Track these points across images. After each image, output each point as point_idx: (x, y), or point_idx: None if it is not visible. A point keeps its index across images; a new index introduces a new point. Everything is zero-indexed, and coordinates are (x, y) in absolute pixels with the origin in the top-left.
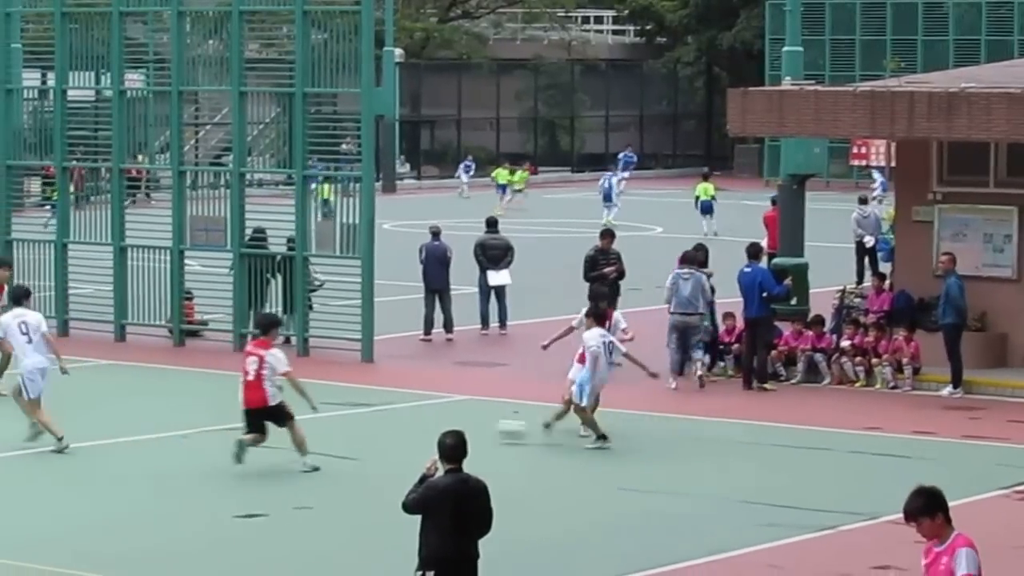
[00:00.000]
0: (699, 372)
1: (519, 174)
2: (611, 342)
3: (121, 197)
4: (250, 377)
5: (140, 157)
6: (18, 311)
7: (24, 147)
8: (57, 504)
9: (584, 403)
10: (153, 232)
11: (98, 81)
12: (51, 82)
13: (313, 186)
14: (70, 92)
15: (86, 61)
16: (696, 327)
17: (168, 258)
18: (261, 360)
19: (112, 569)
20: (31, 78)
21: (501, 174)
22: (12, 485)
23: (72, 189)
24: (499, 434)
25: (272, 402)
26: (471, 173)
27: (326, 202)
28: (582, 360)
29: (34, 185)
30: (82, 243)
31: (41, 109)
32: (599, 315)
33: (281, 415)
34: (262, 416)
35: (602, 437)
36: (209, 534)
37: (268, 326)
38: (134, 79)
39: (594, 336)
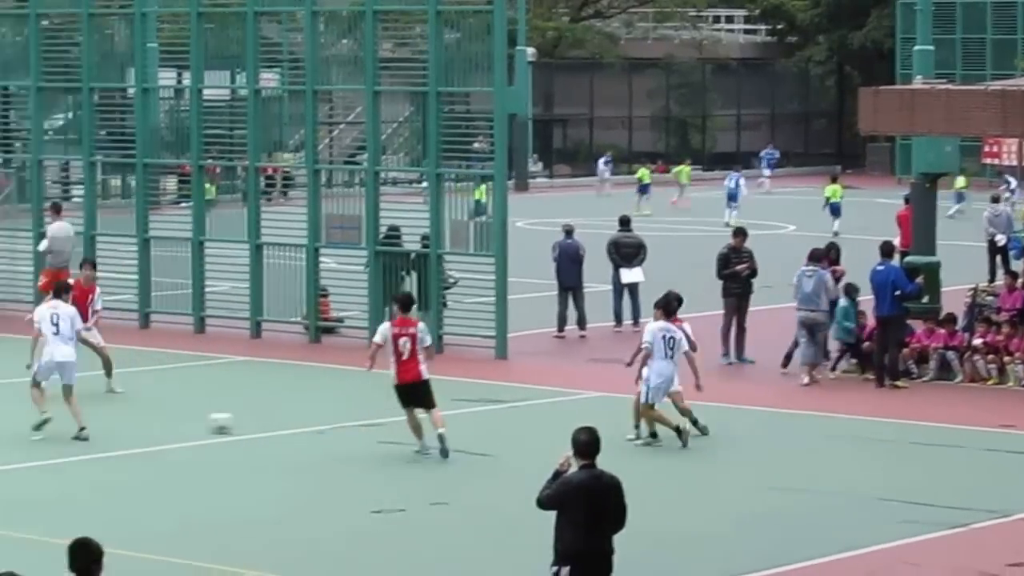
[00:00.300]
0: (810, 373)
1: (683, 170)
2: (672, 337)
3: (257, 195)
4: (405, 356)
5: (280, 155)
6: (54, 302)
7: (161, 146)
8: (196, 499)
9: (650, 400)
10: (289, 230)
11: (233, 80)
12: (187, 81)
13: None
14: (205, 91)
15: (221, 60)
16: (821, 323)
17: (304, 255)
18: (413, 337)
19: (252, 563)
20: (167, 77)
21: (645, 174)
22: (154, 481)
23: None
24: (210, 427)
25: (425, 376)
26: (611, 171)
27: (478, 203)
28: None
29: (170, 183)
30: (218, 241)
31: (177, 108)
32: (666, 308)
33: (431, 391)
34: (418, 390)
35: (654, 435)
36: (346, 529)
37: (410, 303)
38: (269, 78)
39: (650, 331)
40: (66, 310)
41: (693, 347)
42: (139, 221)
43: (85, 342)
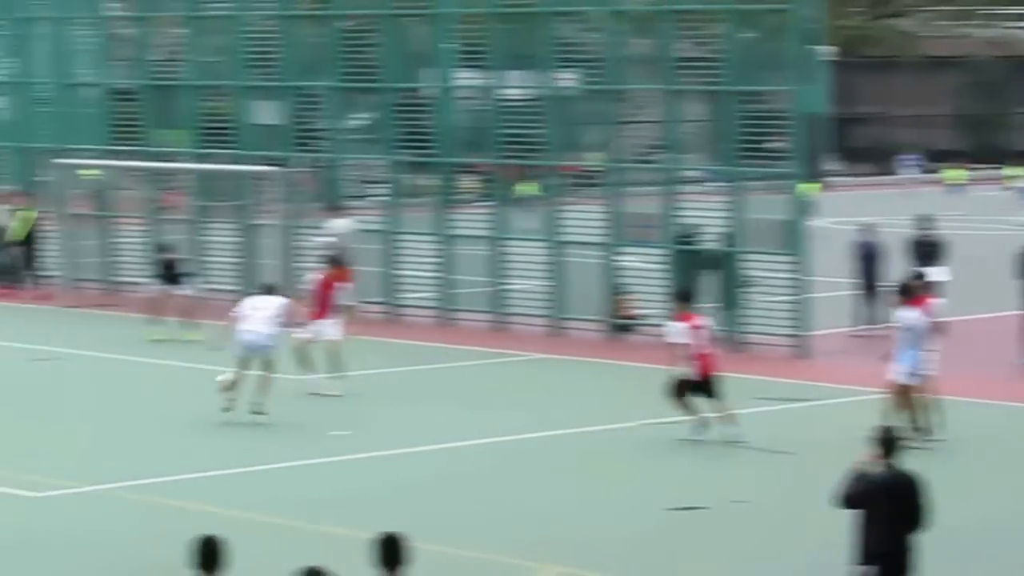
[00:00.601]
0: None
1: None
2: (920, 325)
3: (555, 194)
4: (704, 350)
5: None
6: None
7: (459, 145)
8: (493, 493)
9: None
10: (587, 228)
11: (531, 80)
12: (485, 81)
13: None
14: (504, 91)
15: (519, 60)
16: None
17: (603, 254)
18: (701, 329)
19: (550, 557)
20: (466, 77)
21: (951, 175)
22: (451, 475)
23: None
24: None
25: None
26: (919, 169)
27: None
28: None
29: (469, 182)
30: (516, 239)
31: (476, 108)
32: (907, 292)
33: (717, 384)
34: (707, 385)
35: (920, 430)
36: (643, 526)
37: (690, 297)
38: (566, 78)
39: (905, 316)
40: (266, 301)
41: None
42: (439, 219)
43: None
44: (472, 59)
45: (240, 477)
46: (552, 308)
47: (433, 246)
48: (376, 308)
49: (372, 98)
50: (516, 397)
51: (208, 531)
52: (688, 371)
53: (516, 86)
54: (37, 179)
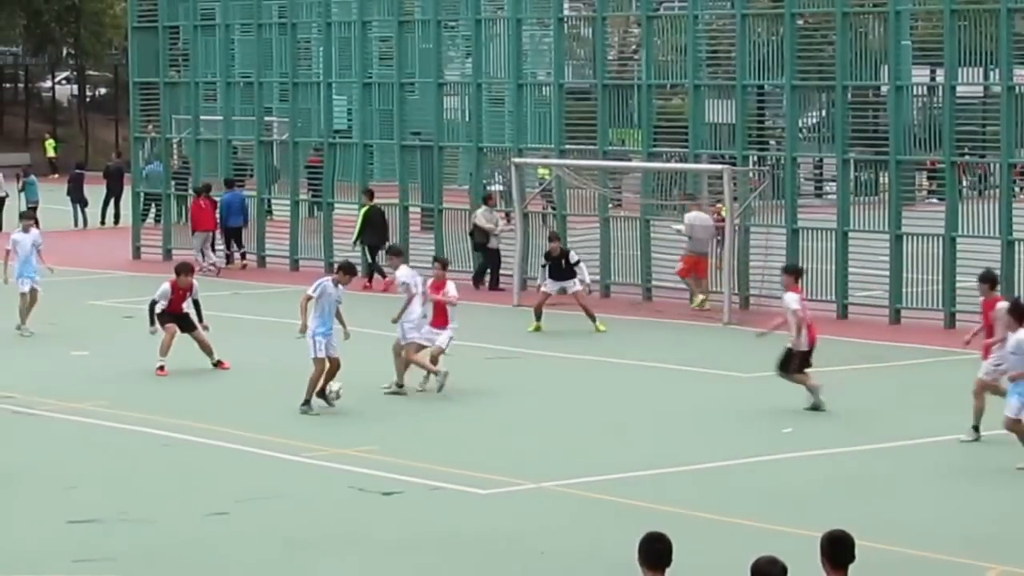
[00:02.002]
0: None
1: None
2: None
3: (1010, 191)
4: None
5: None
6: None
7: (913, 142)
8: (943, 492)
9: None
10: None
11: (986, 77)
12: (940, 79)
13: None
14: (958, 88)
15: (974, 57)
16: None
17: None
18: None
19: (1000, 556)
20: (920, 75)
21: None
22: (894, 474)
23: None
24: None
25: None
26: None
27: None
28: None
29: (923, 179)
30: (969, 236)
31: (929, 105)
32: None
33: None
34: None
35: None
36: None
37: None
38: (1023, 74)
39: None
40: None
41: None
42: (892, 217)
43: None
44: (927, 56)
45: (687, 475)
46: None
47: (884, 244)
48: (826, 306)
49: (826, 96)
50: (965, 397)
51: (655, 528)
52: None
53: (970, 83)
54: (491, 179)
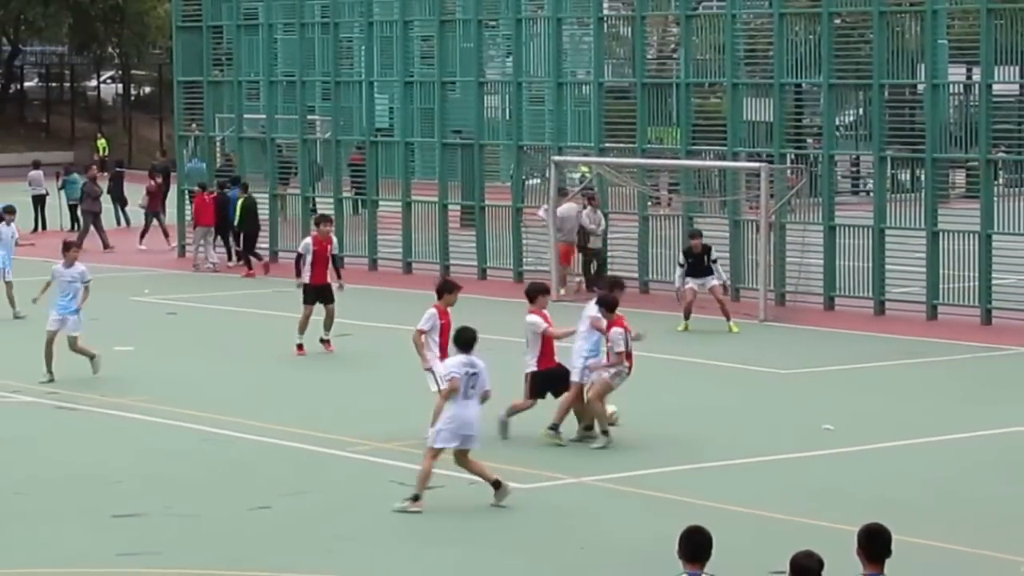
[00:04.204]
0: None
1: None
2: None
3: None
4: None
5: None
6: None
7: (949, 140)
8: (981, 488)
9: None
10: None
11: (1023, 75)
12: (976, 77)
13: None
14: (994, 86)
15: (1010, 55)
16: None
17: None
18: None
19: None
20: (956, 73)
21: None
22: (933, 468)
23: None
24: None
25: None
26: None
27: None
28: None
29: (959, 177)
30: (1008, 234)
31: (966, 103)
32: None
33: None
34: None
35: None
36: None
37: None
38: None
39: None
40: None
41: None
42: (928, 214)
43: None
44: (963, 55)
45: (726, 470)
46: None
47: (921, 241)
48: (863, 303)
49: (863, 94)
50: (1003, 392)
51: (695, 522)
52: None
53: (1008, 82)
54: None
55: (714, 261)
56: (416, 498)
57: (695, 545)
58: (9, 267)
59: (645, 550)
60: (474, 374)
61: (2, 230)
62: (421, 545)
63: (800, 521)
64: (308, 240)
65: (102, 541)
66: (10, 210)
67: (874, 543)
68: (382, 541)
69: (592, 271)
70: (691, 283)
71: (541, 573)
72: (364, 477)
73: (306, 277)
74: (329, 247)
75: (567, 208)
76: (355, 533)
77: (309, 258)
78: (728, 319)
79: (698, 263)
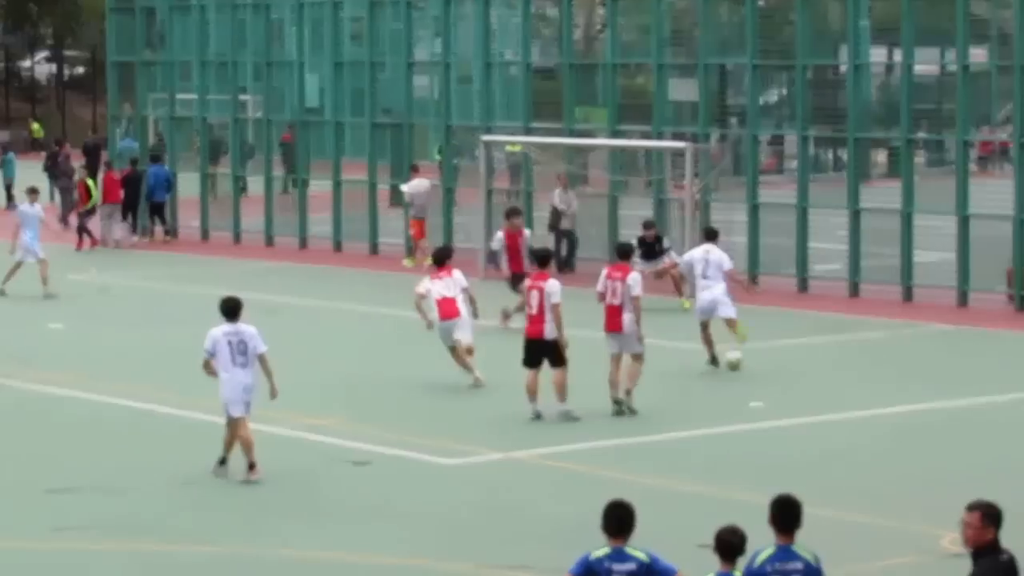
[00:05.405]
0: None
1: None
2: None
3: (965, 169)
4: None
5: (988, 129)
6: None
7: (871, 120)
8: (903, 462)
9: None
10: (996, 202)
11: (942, 56)
12: (897, 58)
13: None
14: (916, 67)
15: (931, 37)
16: None
17: (1010, 227)
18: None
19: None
20: (879, 54)
21: None
22: (869, 444)
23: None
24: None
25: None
26: None
27: None
28: None
29: (880, 156)
30: (925, 212)
31: (888, 84)
32: None
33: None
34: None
35: None
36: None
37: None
38: (978, 54)
39: None
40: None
41: None
42: (850, 194)
43: None
44: (885, 36)
45: (652, 445)
46: (960, 280)
47: (843, 219)
48: (786, 280)
49: (787, 75)
50: (922, 368)
51: (619, 497)
52: None
53: (928, 63)
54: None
55: (667, 249)
56: (252, 466)
57: (618, 519)
58: (37, 246)
59: (568, 525)
60: (240, 341)
61: (27, 210)
62: (343, 521)
63: (720, 496)
64: (500, 234)
65: (36, 516)
66: (34, 190)
67: (785, 514)
68: (305, 516)
69: (563, 252)
70: (641, 265)
71: (465, 547)
72: (292, 453)
73: (506, 270)
74: (520, 239)
75: (417, 184)
76: (277, 507)
77: (504, 253)
78: (680, 295)
79: (650, 250)
